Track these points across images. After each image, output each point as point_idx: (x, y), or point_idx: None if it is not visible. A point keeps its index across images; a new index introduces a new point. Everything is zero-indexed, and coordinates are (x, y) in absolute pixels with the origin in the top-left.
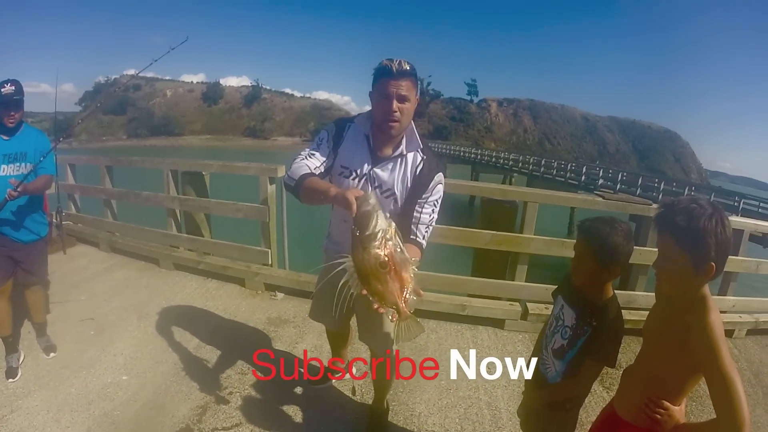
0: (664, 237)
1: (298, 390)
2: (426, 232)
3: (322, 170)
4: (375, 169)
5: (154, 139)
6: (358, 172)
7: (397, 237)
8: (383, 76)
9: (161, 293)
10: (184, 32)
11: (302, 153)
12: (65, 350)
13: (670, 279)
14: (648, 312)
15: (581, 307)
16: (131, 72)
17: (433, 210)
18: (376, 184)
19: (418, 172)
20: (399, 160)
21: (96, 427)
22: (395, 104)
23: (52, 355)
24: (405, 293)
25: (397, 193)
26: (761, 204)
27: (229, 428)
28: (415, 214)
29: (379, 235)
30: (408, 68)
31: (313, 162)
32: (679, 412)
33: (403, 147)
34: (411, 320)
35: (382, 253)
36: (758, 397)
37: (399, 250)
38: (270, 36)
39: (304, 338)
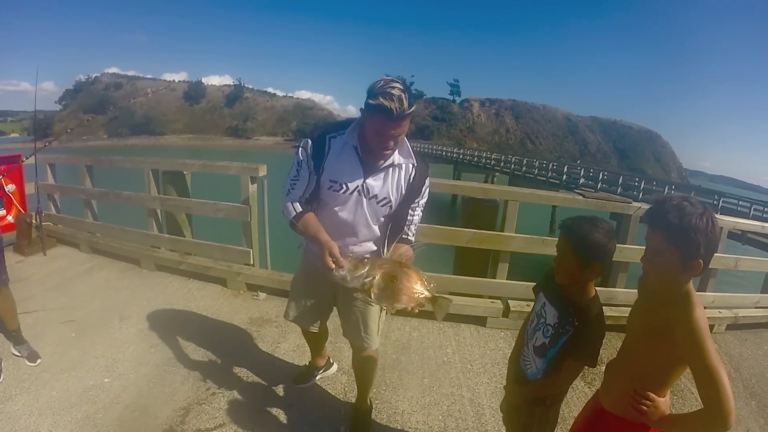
0: (654, 232)
1: (281, 389)
2: (415, 229)
3: (308, 195)
4: (367, 180)
5: (135, 138)
6: (349, 185)
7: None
8: (381, 114)
9: (143, 294)
10: (166, 31)
11: (286, 185)
12: (46, 353)
13: (658, 274)
14: (629, 308)
15: (563, 306)
16: (113, 70)
17: (422, 210)
18: (371, 195)
19: (411, 180)
20: (391, 169)
21: (78, 430)
22: (391, 143)
23: (38, 361)
24: (424, 282)
25: (392, 200)
26: (740, 202)
27: (212, 429)
28: (408, 217)
29: (367, 272)
30: (409, 110)
31: (296, 193)
32: (665, 403)
33: (395, 156)
34: (441, 300)
35: (378, 276)
36: (739, 390)
37: (389, 261)
38: (253, 35)
39: (286, 338)
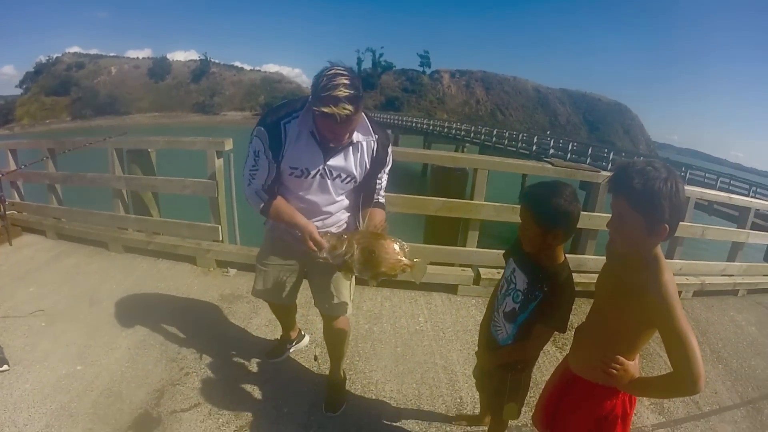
0: (618, 199)
1: (255, 365)
2: (384, 192)
3: (270, 182)
4: (328, 162)
5: (100, 119)
6: (311, 170)
7: (360, 219)
8: (330, 121)
9: (112, 277)
10: (127, 6)
11: (245, 174)
12: (17, 346)
13: (624, 239)
14: (595, 274)
15: (532, 272)
16: (75, 50)
17: (387, 174)
18: (334, 176)
19: (375, 155)
20: (351, 147)
21: (54, 421)
22: (345, 138)
23: (5, 367)
24: (400, 249)
25: (357, 176)
26: (707, 175)
27: (187, 409)
28: (377, 185)
29: (345, 249)
30: (353, 111)
31: (257, 183)
32: (634, 366)
33: (354, 134)
34: (418, 263)
35: (356, 251)
36: (706, 354)
37: (365, 235)
38: (218, 8)
39: (258, 313)
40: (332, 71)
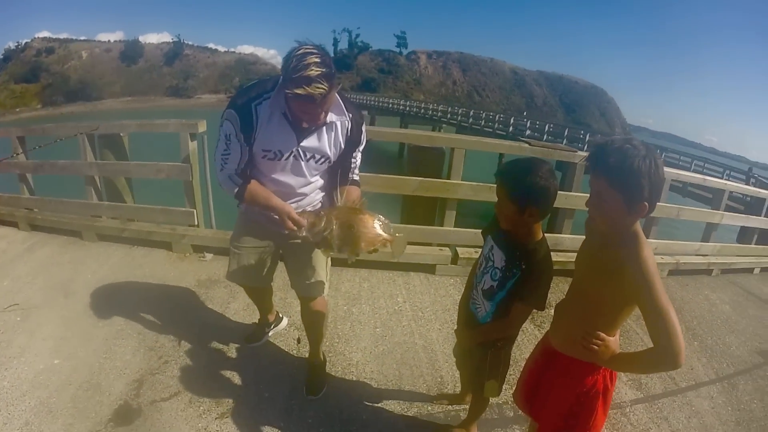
0: (597, 177)
1: (234, 350)
2: (358, 170)
3: (243, 166)
4: (302, 143)
5: (72, 105)
6: (284, 152)
7: (336, 197)
8: (303, 102)
9: (87, 267)
10: None
11: (217, 159)
12: None
13: (603, 217)
14: (575, 253)
15: (510, 249)
16: (44, 34)
17: (361, 153)
18: (308, 157)
19: (349, 134)
20: (325, 127)
21: (33, 418)
22: (320, 117)
23: None
24: (379, 224)
25: (331, 156)
26: (681, 157)
27: (167, 398)
28: (351, 165)
29: (324, 225)
30: (327, 90)
31: (230, 167)
32: (614, 342)
33: (327, 115)
34: (398, 238)
35: (335, 227)
36: (682, 331)
37: (343, 210)
38: None
39: (236, 297)
40: (301, 51)
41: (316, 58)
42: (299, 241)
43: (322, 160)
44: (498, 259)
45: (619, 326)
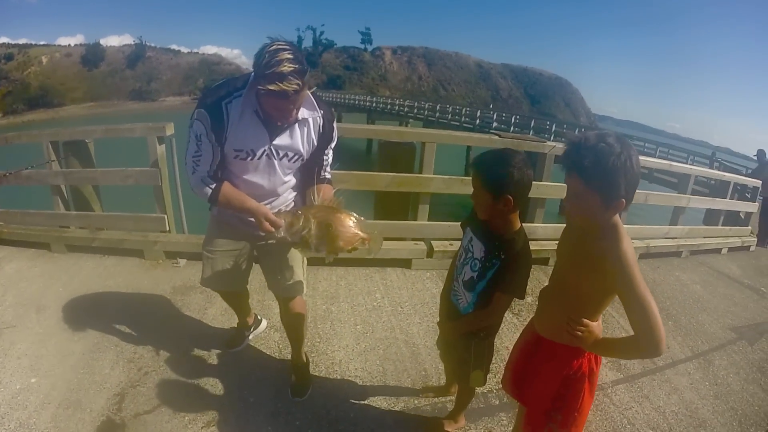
0: (572, 176)
1: (215, 357)
2: (330, 168)
3: (215, 167)
4: (274, 141)
5: (33, 113)
6: (256, 151)
7: (312, 196)
8: (276, 98)
9: (57, 280)
10: None
11: (188, 162)
12: None
13: (581, 214)
14: (548, 242)
15: (489, 240)
16: (2, 41)
17: (333, 150)
18: (281, 155)
19: (321, 131)
20: (297, 124)
21: None
22: (293, 113)
23: None
24: (356, 222)
25: (304, 153)
26: (646, 145)
27: (151, 411)
28: (323, 162)
29: (302, 225)
30: (300, 86)
31: (202, 169)
32: (598, 327)
33: (299, 111)
34: (374, 236)
35: (313, 227)
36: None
37: (320, 209)
38: None
39: (212, 302)
40: (274, 47)
41: (289, 54)
42: (274, 241)
43: (296, 157)
44: (477, 250)
45: (601, 312)
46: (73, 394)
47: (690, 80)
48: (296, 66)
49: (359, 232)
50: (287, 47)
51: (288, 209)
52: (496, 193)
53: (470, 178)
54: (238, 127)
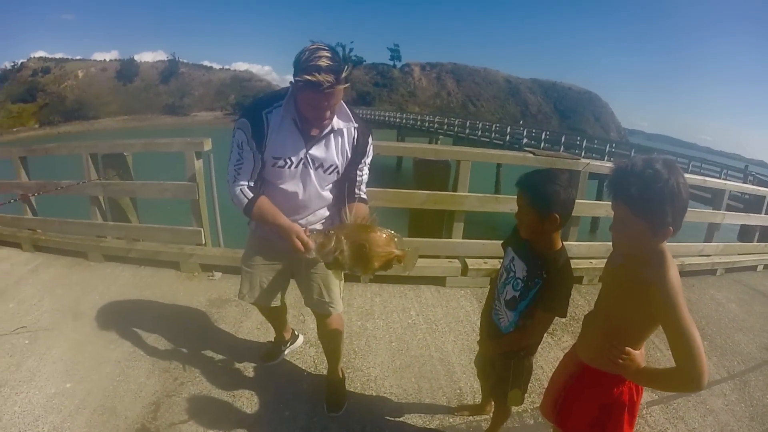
0: (618, 204)
1: (251, 370)
2: (365, 187)
3: (257, 175)
4: (310, 150)
5: (68, 125)
6: (293, 158)
7: (345, 215)
8: (312, 90)
9: (94, 288)
10: (94, 7)
11: (230, 172)
12: (1, 365)
13: (628, 242)
14: (582, 260)
15: (531, 259)
16: (39, 54)
17: (368, 168)
18: (316, 165)
19: (356, 143)
20: (332, 135)
21: None
22: (327, 114)
23: None
24: (391, 241)
25: (339, 165)
26: (678, 159)
27: (186, 420)
28: (357, 178)
29: (334, 246)
30: (339, 80)
31: (244, 177)
32: (640, 356)
33: (334, 121)
34: (409, 252)
35: (345, 247)
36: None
37: (353, 228)
38: (185, 6)
39: (248, 316)
40: (314, 46)
41: (327, 53)
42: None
43: (331, 168)
44: (519, 270)
45: (644, 341)
46: (108, 401)
47: (719, 91)
48: (333, 63)
49: (394, 250)
50: (326, 48)
51: (322, 229)
52: (543, 213)
53: (505, 196)
54: (277, 135)
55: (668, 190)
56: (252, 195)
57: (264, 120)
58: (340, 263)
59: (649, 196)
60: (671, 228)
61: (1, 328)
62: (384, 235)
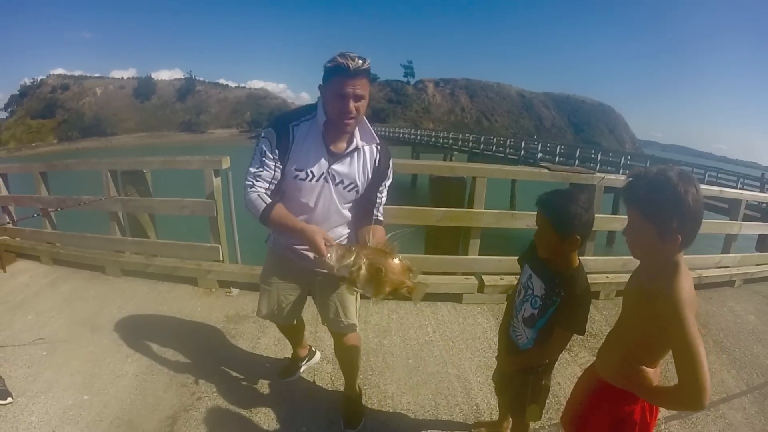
0: (630, 208)
1: (268, 385)
2: (383, 209)
3: (274, 186)
4: (333, 166)
5: (87, 141)
6: (315, 172)
7: (367, 237)
8: (339, 74)
9: (112, 302)
10: (112, 26)
11: (249, 178)
12: (19, 376)
13: (639, 247)
14: (598, 275)
15: (550, 278)
16: (58, 71)
17: (387, 191)
18: (337, 181)
19: (377, 164)
20: (355, 153)
21: None
22: (351, 104)
23: (9, 400)
24: (407, 272)
25: (359, 184)
26: (694, 169)
27: None
28: (377, 199)
29: (353, 261)
30: (364, 67)
31: (262, 184)
32: (653, 374)
33: (357, 140)
34: (419, 286)
35: (363, 267)
36: (709, 345)
37: (373, 251)
38: (201, 25)
39: (265, 332)
40: (344, 52)
41: (356, 55)
42: (327, 272)
43: (351, 186)
44: (537, 288)
45: (660, 357)
46: (125, 414)
47: (732, 99)
48: (362, 60)
49: (406, 281)
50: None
51: (343, 243)
52: (564, 234)
53: (521, 212)
54: (302, 147)
55: (676, 195)
56: (270, 200)
57: (290, 132)
58: (354, 280)
59: (656, 200)
60: (679, 237)
61: (19, 339)
62: (401, 264)
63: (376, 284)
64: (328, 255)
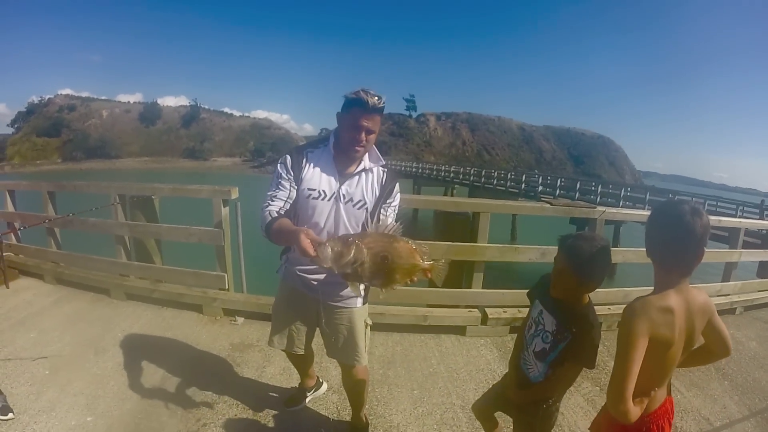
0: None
1: (273, 414)
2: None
3: (288, 206)
4: (343, 185)
5: (91, 162)
6: (326, 192)
7: (366, 223)
8: (357, 106)
9: (116, 325)
10: (120, 50)
11: (266, 200)
12: (21, 393)
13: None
14: (598, 306)
15: (561, 315)
16: (66, 92)
17: (394, 213)
18: (346, 199)
19: (383, 182)
20: (364, 173)
21: None
22: (363, 135)
23: (10, 416)
24: (416, 253)
25: (368, 202)
26: (693, 199)
27: None
28: (381, 217)
29: (354, 256)
30: (381, 105)
31: (276, 204)
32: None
33: (365, 162)
34: (436, 266)
35: (367, 259)
36: (711, 373)
37: (376, 237)
38: (208, 54)
39: (271, 361)
40: (365, 88)
41: (375, 93)
42: (338, 306)
43: (360, 204)
44: (549, 323)
45: (646, 387)
46: None
47: (731, 127)
48: (379, 98)
49: (418, 263)
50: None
51: (341, 236)
52: (585, 281)
53: (524, 246)
54: (314, 169)
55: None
56: (277, 215)
57: (305, 157)
58: (359, 275)
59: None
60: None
61: (21, 356)
62: (409, 246)
63: (384, 274)
64: (324, 253)
